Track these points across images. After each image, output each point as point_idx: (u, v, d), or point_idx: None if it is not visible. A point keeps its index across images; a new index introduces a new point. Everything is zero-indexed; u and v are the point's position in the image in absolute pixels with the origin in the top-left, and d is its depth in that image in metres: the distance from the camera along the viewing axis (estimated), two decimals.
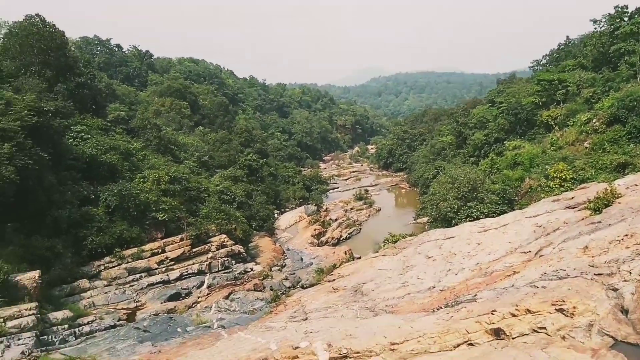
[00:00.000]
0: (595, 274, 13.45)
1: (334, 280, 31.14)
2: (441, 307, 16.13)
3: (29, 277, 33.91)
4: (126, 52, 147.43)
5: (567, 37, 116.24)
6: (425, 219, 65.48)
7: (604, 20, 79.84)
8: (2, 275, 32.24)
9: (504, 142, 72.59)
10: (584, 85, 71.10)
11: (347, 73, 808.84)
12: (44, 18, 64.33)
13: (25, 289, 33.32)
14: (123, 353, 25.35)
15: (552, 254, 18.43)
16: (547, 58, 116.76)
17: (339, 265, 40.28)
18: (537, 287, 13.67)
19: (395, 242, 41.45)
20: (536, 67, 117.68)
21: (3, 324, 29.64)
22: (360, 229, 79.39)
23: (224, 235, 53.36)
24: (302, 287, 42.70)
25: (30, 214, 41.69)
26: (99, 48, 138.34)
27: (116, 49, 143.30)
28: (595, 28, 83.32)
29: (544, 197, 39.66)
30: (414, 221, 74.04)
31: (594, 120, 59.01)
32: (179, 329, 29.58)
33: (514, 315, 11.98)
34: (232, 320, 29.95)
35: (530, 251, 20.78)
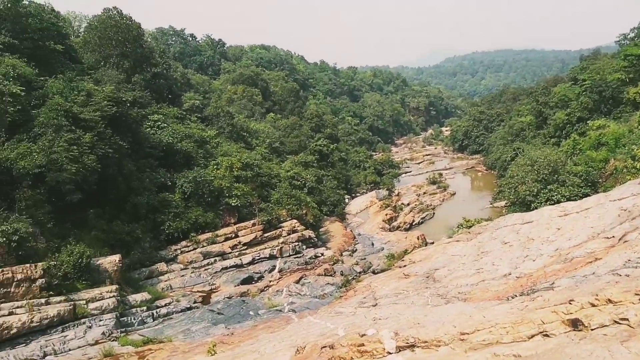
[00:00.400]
0: None
1: (405, 266, 31.05)
2: (516, 296, 15.83)
3: (110, 261, 35.64)
4: (200, 42, 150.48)
5: None
6: (502, 203, 64.16)
7: None
8: (85, 259, 34.04)
9: (587, 122, 69.38)
10: None
11: (421, 54, 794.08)
12: (121, 11, 66.75)
13: (107, 272, 35.06)
14: (198, 335, 26.35)
15: (638, 240, 17.69)
16: (636, 31, 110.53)
17: (411, 251, 40.14)
18: (620, 275, 12.97)
19: (470, 227, 40.90)
20: (623, 42, 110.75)
21: (85, 305, 31.38)
22: (434, 213, 77.56)
23: (295, 221, 54.17)
24: (373, 272, 42.72)
25: (111, 201, 43.76)
26: (173, 38, 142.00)
27: (190, 39, 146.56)
28: None
29: (629, 179, 37.99)
30: (490, 205, 72.47)
31: None
32: (251, 312, 30.42)
33: (593, 305, 11.53)
34: (302, 305, 30.52)
35: (613, 236, 19.80)
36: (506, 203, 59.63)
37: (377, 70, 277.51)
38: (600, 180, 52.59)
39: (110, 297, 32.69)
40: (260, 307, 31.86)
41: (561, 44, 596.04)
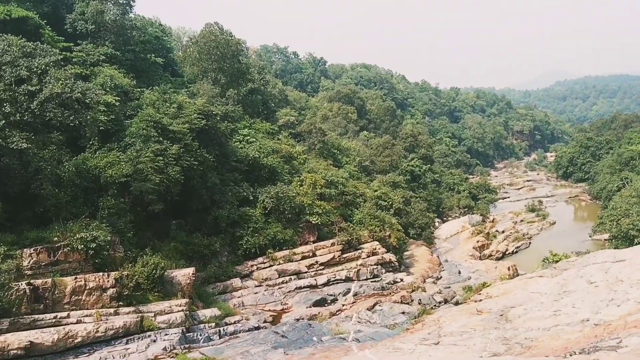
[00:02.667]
0: None
1: (480, 300, 29.12)
2: (575, 354, 13.93)
3: (184, 274, 35.64)
4: (302, 59, 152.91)
5: None
6: (605, 236, 60.08)
7: None
8: (159, 271, 34.29)
9: None
10: None
11: (529, 77, 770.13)
12: (222, 26, 68.50)
13: (179, 285, 35.07)
14: (255, 358, 25.57)
15: None
16: None
17: (489, 284, 37.72)
18: None
19: (557, 262, 38.14)
20: None
21: (153, 318, 31.39)
22: (530, 243, 73.64)
23: (377, 243, 52.65)
24: (456, 303, 40.65)
25: (193, 212, 44.29)
26: (277, 55, 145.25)
27: (292, 56, 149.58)
28: None
29: None
30: (591, 238, 68.28)
31: None
32: (314, 338, 29.34)
33: None
34: (368, 334, 29.09)
35: None
36: (609, 237, 55.54)
37: (481, 91, 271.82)
38: None
39: (179, 311, 32.62)
40: (326, 332, 30.68)
41: None
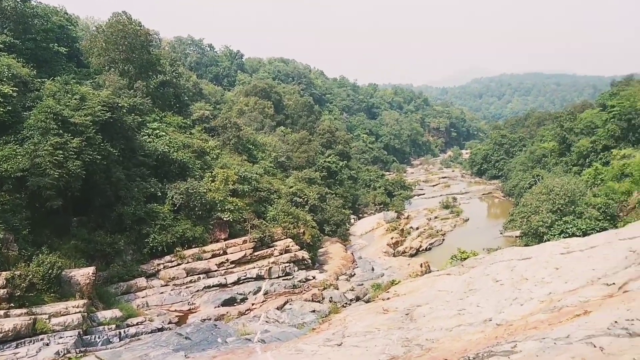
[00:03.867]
0: None
1: (388, 299, 28.71)
2: (468, 358, 13.46)
3: (83, 274, 33.68)
4: (218, 52, 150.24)
5: None
6: (516, 233, 61.29)
7: None
8: (55, 271, 32.24)
9: (612, 151, 66.84)
10: None
11: (447, 74, 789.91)
12: (130, 16, 65.69)
13: (78, 285, 33.15)
14: None
15: (639, 291, 15.31)
16: None
17: (398, 282, 37.65)
18: (594, 346, 10.58)
19: (465, 259, 38.47)
20: None
21: (47, 320, 29.37)
22: (444, 239, 74.48)
23: (290, 240, 51.94)
24: (367, 301, 40.42)
25: (96, 209, 42.11)
26: (191, 48, 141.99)
27: (208, 49, 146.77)
28: None
29: None
30: (502, 235, 69.80)
31: None
32: (219, 339, 28.21)
33: None
34: (275, 334, 28.21)
35: (614, 283, 17.31)
36: (520, 233, 56.92)
37: (399, 88, 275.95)
38: (620, 214, 49.96)
39: (76, 313, 30.67)
40: (232, 333, 29.58)
41: (594, 70, 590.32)
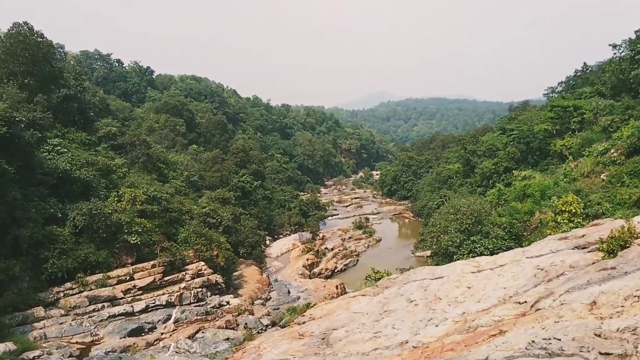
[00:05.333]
0: (600, 353, 9.64)
1: (304, 323, 27.00)
2: None
3: None
4: (127, 68, 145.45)
5: (585, 63, 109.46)
6: (427, 253, 61.53)
7: (624, 45, 75.21)
8: None
9: (514, 172, 68.68)
10: (601, 113, 66.13)
11: (356, 97, 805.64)
12: (32, 27, 61.63)
13: None
14: None
15: (551, 309, 14.59)
16: (563, 85, 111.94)
17: (313, 305, 36.19)
18: None
19: (379, 279, 37.55)
20: (551, 95, 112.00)
21: None
22: (358, 260, 73.88)
23: (202, 263, 49.40)
24: (283, 326, 38.62)
25: None
26: (99, 62, 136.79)
27: (116, 64, 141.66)
28: (614, 54, 78.25)
29: (549, 234, 35.38)
30: (413, 255, 70.02)
31: (612, 151, 54.51)
32: None
33: None
34: None
35: (526, 302, 16.64)
36: (431, 253, 56.98)
37: (311, 109, 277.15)
38: (525, 233, 50.98)
39: None
40: None
41: (493, 96, 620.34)
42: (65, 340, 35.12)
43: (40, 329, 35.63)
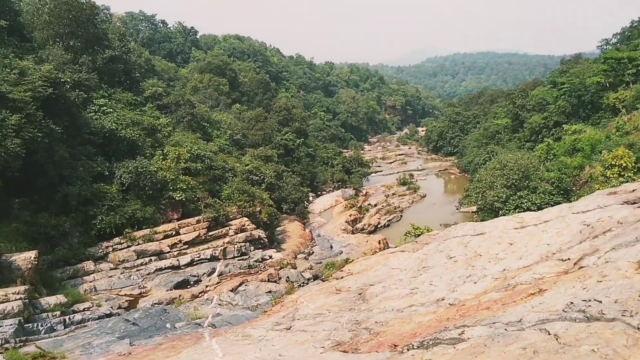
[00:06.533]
0: None
1: (342, 277, 27.39)
2: (412, 347, 12.10)
3: (24, 258, 31.63)
4: (171, 29, 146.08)
5: None
6: (473, 208, 61.33)
7: None
8: None
9: (564, 126, 67.22)
10: None
11: (402, 53, 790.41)
12: None
13: (19, 271, 31.12)
14: (96, 351, 22.52)
15: (595, 267, 13.87)
16: (618, 37, 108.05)
17: (352, 260, 36.59)
18: (549, 334, 9.32)
19: (419, 235, 37.51)
20: (605, 47, 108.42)
21: None
22: (401, 216, 74.00)
23: (245, 219, 50.43)
24: (322, 280, 39.31)
25: (39, 190, 39.76)
26: (143, 23, 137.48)
27: (161, 25, 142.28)
28: None
29: (598, 189, 34.55)
30: (458, 210, 69.94)
31: None
32: (168, 325, 26.66)
33: None
34: (226, 318, 26.77)
35: (569, 259, 16.10)
36: (477, 209, 56.76)
37: (355, 66, 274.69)
38: (574, 188, 50.02)
39: (16, 300, 28.69)
40: (182, 318, 28.06)
41: (545, 49, 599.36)
42: (114, 293, 36.48)
43: (90, 282, 37.06)
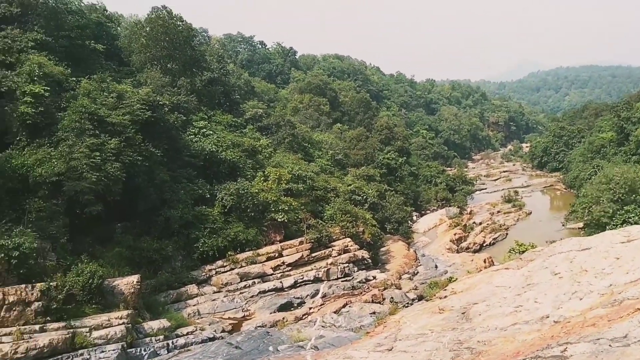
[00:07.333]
0: None
1: (445, 297, 25.83)
2: None
3: (127, 282, 31.39)
4: (270, 49, 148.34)
5: None
6: (579, 224, 58.84)
7: None
8: (96, 280, 29.95)
9: None
10: None
11: (504, 69, 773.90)
12: (171, 10, 63.97)
13: (122, 295, 30.83)
14: None
15: None
16: None
17: (455, 279, 34.48)
18: None
19: (523, 252, 35.31)
20: None
21: (88, 334, 27.09)
22: (507, 234, 70.89)
23: (348, 239, 48.94)
24: (427, 300, 37.19)
25: (141, 214, 39.79)
26: (242, 45, 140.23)
27: (260, 46, 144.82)
28: None
29: None
30: (564, 227, 66.89)
31: None
32: (270, 347, 25.44)
33: None
34: (329, 340, 25.36)
35: None
36: (583, 225, 55.01)
37: (456, 83, 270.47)
38: None
39: (119, 325, 28.38)
40: (285, 340, 26.83)
41: None
42: (217, 316, 35.81)
43: (194, 305, 36.50)
